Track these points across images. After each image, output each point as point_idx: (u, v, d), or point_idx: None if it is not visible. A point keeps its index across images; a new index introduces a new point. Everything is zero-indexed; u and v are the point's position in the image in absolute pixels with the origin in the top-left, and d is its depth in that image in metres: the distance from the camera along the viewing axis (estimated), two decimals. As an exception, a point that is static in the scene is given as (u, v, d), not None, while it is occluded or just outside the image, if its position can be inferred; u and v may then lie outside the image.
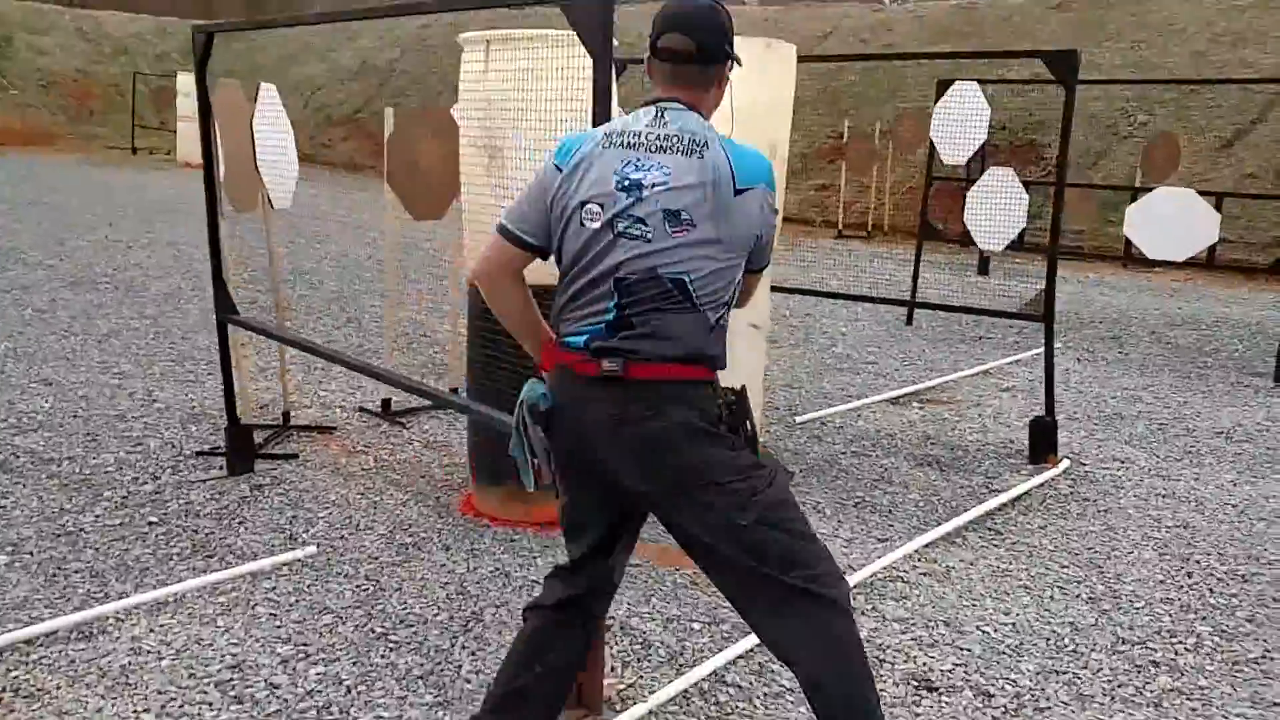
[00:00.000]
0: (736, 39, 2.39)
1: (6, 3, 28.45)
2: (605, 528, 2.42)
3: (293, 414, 5.34)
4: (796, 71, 4.67)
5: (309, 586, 3.61)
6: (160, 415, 5.38)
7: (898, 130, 13.69)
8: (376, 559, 3.84)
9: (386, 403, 5.60)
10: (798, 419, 5.93)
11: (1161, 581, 3.98)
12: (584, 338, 2.26)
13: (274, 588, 3.58)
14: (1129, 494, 4.92)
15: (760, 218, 2.30)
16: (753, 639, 3.18)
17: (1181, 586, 3.95)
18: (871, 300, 7.32)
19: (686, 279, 2.21)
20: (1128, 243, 7.61)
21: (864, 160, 15.36)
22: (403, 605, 3.49)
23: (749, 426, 2.36)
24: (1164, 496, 4.90)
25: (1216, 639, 3.55)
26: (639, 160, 2.22)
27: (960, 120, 7.54)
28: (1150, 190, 7.81)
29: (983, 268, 12.60)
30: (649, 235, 2.20)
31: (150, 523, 4.08)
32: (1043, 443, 5.22)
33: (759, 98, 4.24)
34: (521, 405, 2.34)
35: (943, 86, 7.69)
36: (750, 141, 2.40)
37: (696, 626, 3.45)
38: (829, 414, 6.09)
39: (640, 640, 3.33)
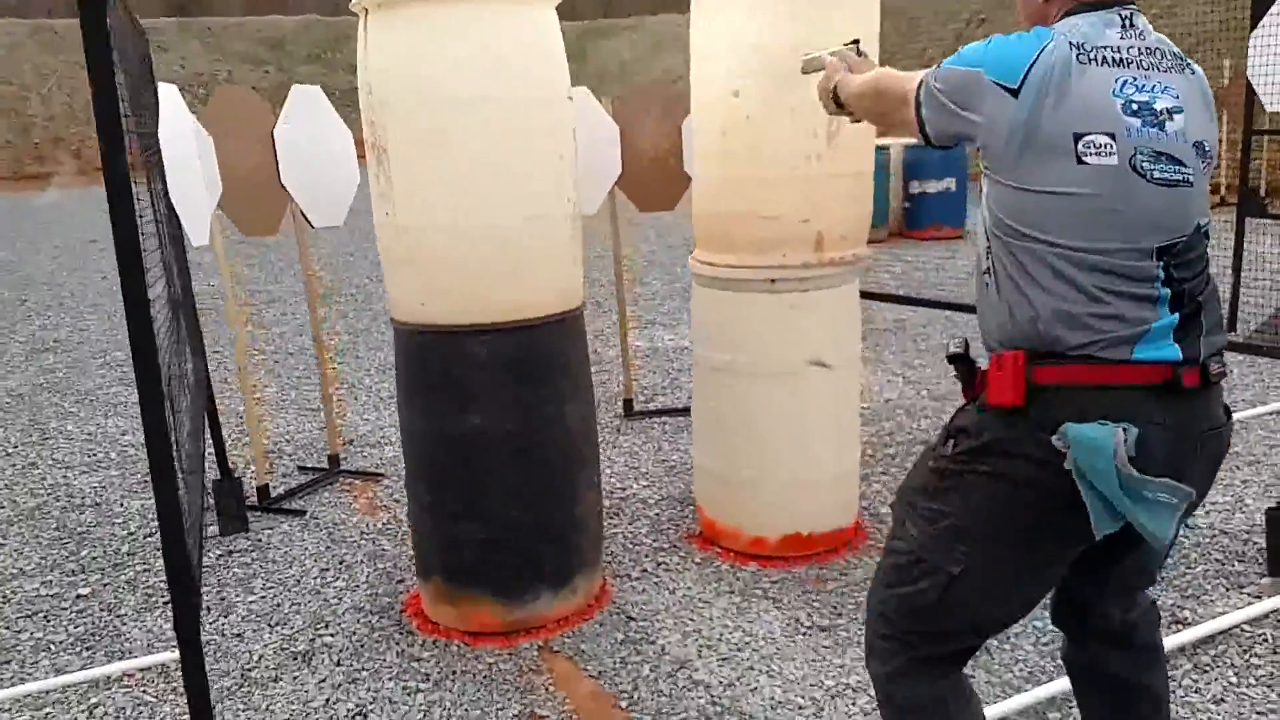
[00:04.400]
0: None
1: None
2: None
3: (343, 459, 4.74)
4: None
5: (130, 711, 2.93)
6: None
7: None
8: (249, 670, 3.11)
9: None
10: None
11: None
12: (1168, 340, 1.71)
13: (97, 704, 2.96)
14: None
15: None
16: None
17: None
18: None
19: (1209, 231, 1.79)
20: None
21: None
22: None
23: None
24: None
25: None
26: (1136, 79, 1.71)
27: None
28: None
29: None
30: (1190, 177, 1.71)
31: (79, 595, 3.64)
32: (1288, 547, 3.40)
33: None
34: (1117, 451, 1.65)
35: (1261, 3, 5.58)
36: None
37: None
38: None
39: None
